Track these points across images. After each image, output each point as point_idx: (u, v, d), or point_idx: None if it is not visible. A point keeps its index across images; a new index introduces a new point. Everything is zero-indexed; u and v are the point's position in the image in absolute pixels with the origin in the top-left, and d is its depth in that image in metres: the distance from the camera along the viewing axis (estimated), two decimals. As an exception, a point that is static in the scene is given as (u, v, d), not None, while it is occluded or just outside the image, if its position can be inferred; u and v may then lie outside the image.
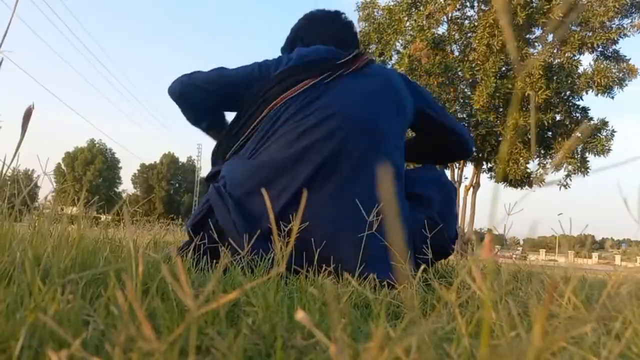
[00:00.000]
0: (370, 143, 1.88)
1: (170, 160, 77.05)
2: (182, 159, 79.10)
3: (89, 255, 1.25)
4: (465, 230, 20.44)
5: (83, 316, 0.80)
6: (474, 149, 2.70)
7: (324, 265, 1.54)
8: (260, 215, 1.75)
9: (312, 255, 1.56)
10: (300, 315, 0.41)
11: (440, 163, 1.95)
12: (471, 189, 21.15)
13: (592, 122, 18.48)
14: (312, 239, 1.64)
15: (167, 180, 75.81)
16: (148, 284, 1.06)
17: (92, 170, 68.08)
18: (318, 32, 2.31)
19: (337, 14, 2.41)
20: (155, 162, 77.14)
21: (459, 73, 19.26)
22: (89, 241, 1.39)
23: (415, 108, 2.17)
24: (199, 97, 2.07)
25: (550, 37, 18.83)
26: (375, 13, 21.55)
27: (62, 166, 72.03)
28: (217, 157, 2.18)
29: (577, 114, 18.78)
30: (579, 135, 8.51)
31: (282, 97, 1.91)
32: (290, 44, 2.39)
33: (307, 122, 1.85)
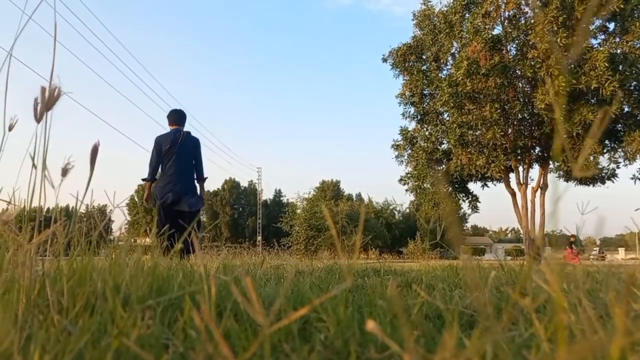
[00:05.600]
0: (185, 170, 6.39)
1: (232, 185, 78.93)
2: (244, 183, 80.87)
3: (164, 282, 1.30)
4: (536, 233, 19.64)
5: (163, 340, 0.83)
6: (203, 176, 6.57)
7: (171, 196, 6.25)
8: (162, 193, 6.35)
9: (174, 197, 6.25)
10: (370, 325, 0.41)
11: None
12: (539, 190, 20.34)
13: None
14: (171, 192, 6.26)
15: (231, 206, 77.64)
16: (221, 306, 1.09)
17: (160, 200, 70.50)
18: (173, 116, 6.61)
19: (177, 110, 6.72)
20: (218, 188, 79.27)
21: (518, 72, 18.70)
22: (163, 268, 1.44)
23: (196, 150, 6.59)
24: (150, 163, 6.47)
25: (611, 27, 18.02)
26: (433, 19, 21.38)
27: (135, 198, 75.31)
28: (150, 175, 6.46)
29: (648, 104, 17.72)
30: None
31: (164, 154, 6.36)
32: (169, 118, 6.69)
33: (170, 166, 6.39)
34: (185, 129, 6.57)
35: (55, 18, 1.48)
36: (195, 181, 6.54)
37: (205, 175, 6.57)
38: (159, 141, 6.32)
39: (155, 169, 6.36)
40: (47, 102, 1.23)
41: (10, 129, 1.41)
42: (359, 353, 0.79)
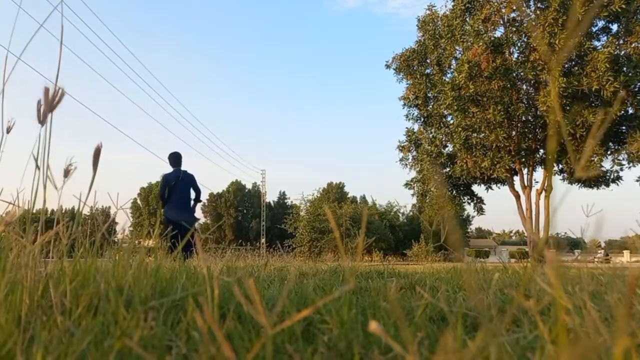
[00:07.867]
0: (184, 197, 9.47)
1: (236, 187, 79.01)
2: (248, 185, 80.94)
3: (167, 283, 1.30)
4: (541, 236, 19.58)
5: (166, 341, 0.83)
6: (200, 199, 9.68)
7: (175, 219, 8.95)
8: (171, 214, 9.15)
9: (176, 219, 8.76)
10: (373, 326, 0.40)
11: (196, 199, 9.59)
12: (543, 192, 20.28)
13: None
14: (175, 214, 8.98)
15: (235, 208, 77.71)
16: (224, 307, 1.09)
17: (164, 203, 70.64)
18: (173, 159, 9.53)
19: (176, 153, 9.61)
20: (223, 190, 79.40)
21: (521, 74, 18.69)
22: (167, 270, 1.44)
23: (193, 182, 9.60)
24: (161, 194, 9.48)
25: (614, 28, 17.96)
26: (436, 23, 21.45)
27: (138, 201, 75.54)
28: (162, 201, 9.49)
29: (652, 106, 17.65)
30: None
31: (170, 187, 9.36)
32: (170, 160, 9.67)
33: (174, 195, 9.40)
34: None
35: (62, 21, 1.48)
36: (193, 202, 9.63)
37: (201, 198, 9.80)
38: (166, 178, 9.45)
39: (164, 195, 9.40)
40: (49, 103, 1.23)
41: (8, 131, 1.41)
42: (362, 355, 0.79)
